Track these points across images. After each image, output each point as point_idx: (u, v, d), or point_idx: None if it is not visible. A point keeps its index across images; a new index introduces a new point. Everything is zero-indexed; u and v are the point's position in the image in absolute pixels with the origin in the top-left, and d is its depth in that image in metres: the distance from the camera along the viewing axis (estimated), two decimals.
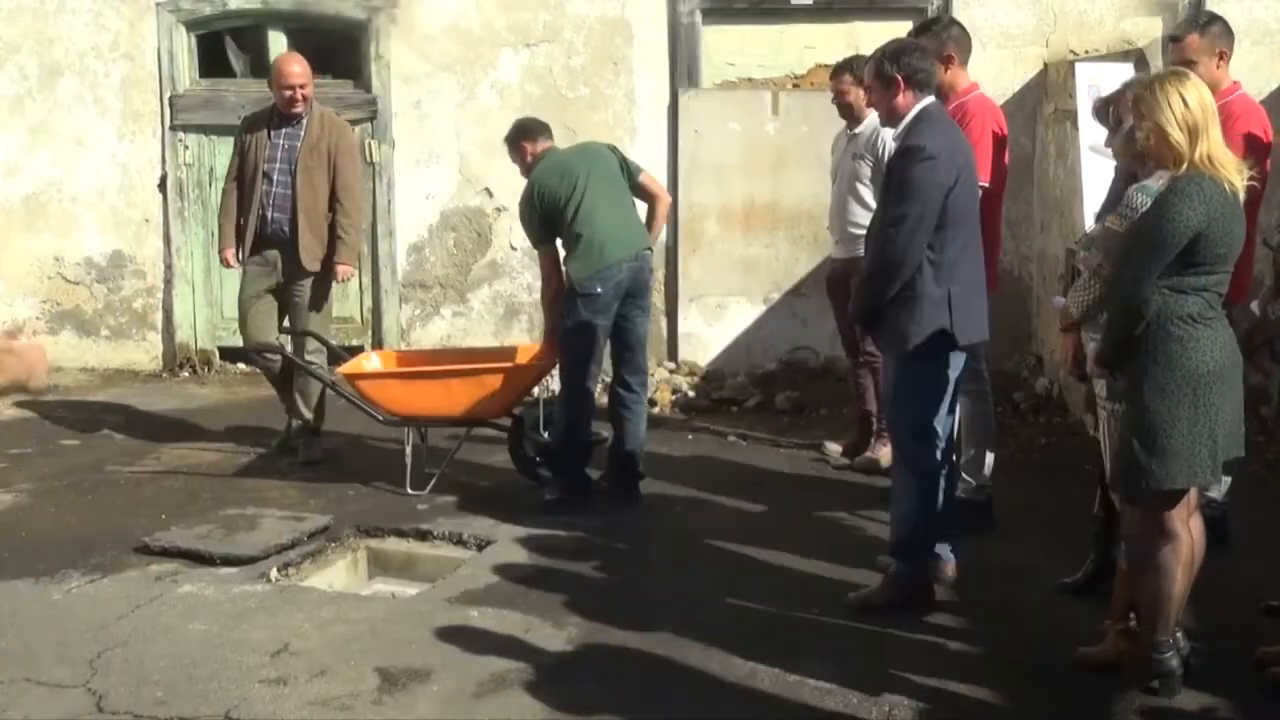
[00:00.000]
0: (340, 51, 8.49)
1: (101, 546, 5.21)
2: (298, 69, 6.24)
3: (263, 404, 7.18)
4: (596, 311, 5.53)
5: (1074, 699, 3.80)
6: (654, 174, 8.07)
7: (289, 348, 6.38)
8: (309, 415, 6.39)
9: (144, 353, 8.70)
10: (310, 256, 6.25)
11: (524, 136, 5.84)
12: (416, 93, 8.33)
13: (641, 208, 5.89)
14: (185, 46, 8.35)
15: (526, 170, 5.80)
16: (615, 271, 5.52)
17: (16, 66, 8.48)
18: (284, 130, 6.28)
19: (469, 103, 8.28)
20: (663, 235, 8.20)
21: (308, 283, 6.33)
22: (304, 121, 6.27)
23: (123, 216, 8.47)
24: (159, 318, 8.58)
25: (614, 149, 5.90)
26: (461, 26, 8.25)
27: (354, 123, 8.34)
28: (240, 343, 6.79)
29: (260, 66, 8.47)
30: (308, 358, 6.28)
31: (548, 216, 5.59)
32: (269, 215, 6.24)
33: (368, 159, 8.40)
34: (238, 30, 8.52)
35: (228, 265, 6.44)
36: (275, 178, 6.23)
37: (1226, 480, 5.25)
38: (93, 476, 6.26)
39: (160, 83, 8.39)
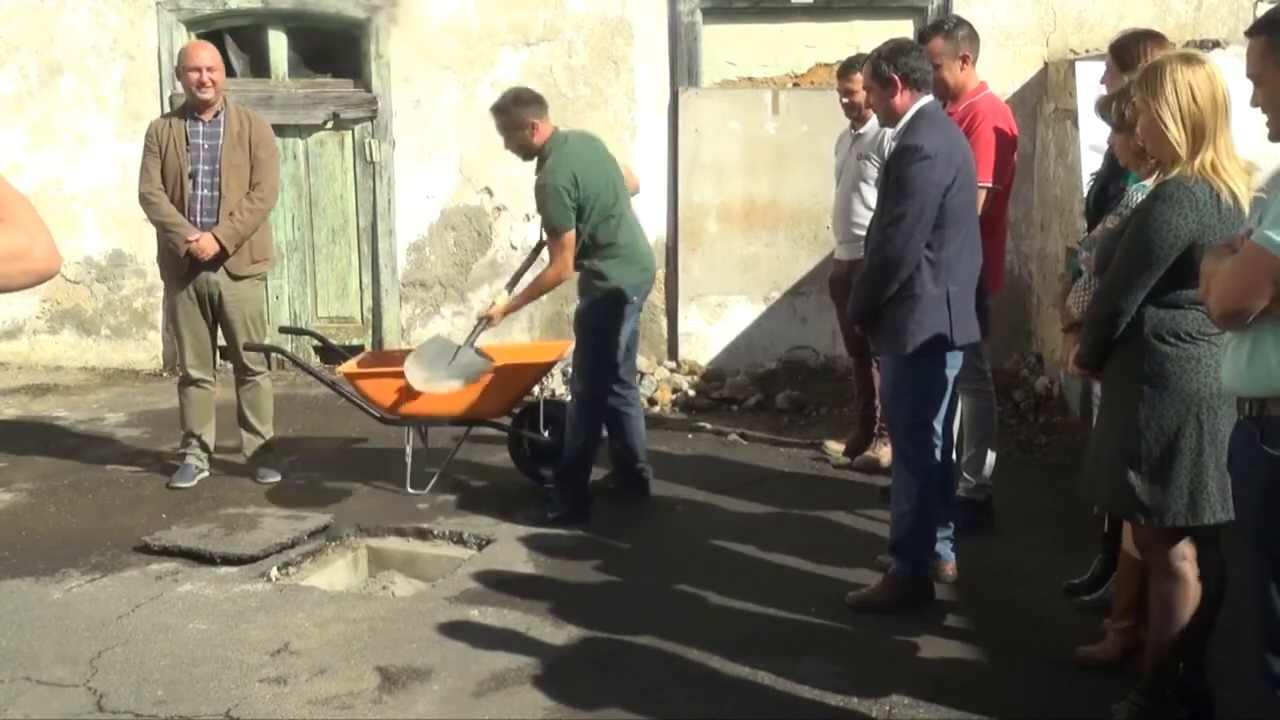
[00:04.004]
0: (341, 51, 8.51)
1: (102, 545, 5.23)
2: (205, 54, 5.87)
3: None
4: (628, 316, 5.59)
5: (1074, 698, 3.81)
6: (653, 172, 8.19)
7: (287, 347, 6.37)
8: (260, 428, 6.18)
9: (144, 352, 8.71)
10: (246, 260, 5.96)
11: (532, 109, 5.45)
12: (416, 92, 8.34)
13: None
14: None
15: (528, 146, 5.49)
16: (647, 283, 5.65)
17: (17, 65, 8.50)
18: (201, 128, 5.86)
19: (469, 102, 8.28)
20: (662, 233, 8.25)
21: (244, 290, 6.02)
22: (221, 117, 5.90)
23: (123, 216, 8.45)
24: (159, 317, 8.57)
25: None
26: (461, 25, 8.26)
27: (354, 122, 8.40)
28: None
29: (261, 66, 8.50)
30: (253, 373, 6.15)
31: (581, 208, 5.38)
32: (199, 223, 5.81)
33: (368, 158, 8.42)
34: (238, 29, 8.52)
35: (204, 252, 5.77)
36: (200, 179, 5.83)
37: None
38: (93, 475, 6.27)
39: (160, 82, 8.40)
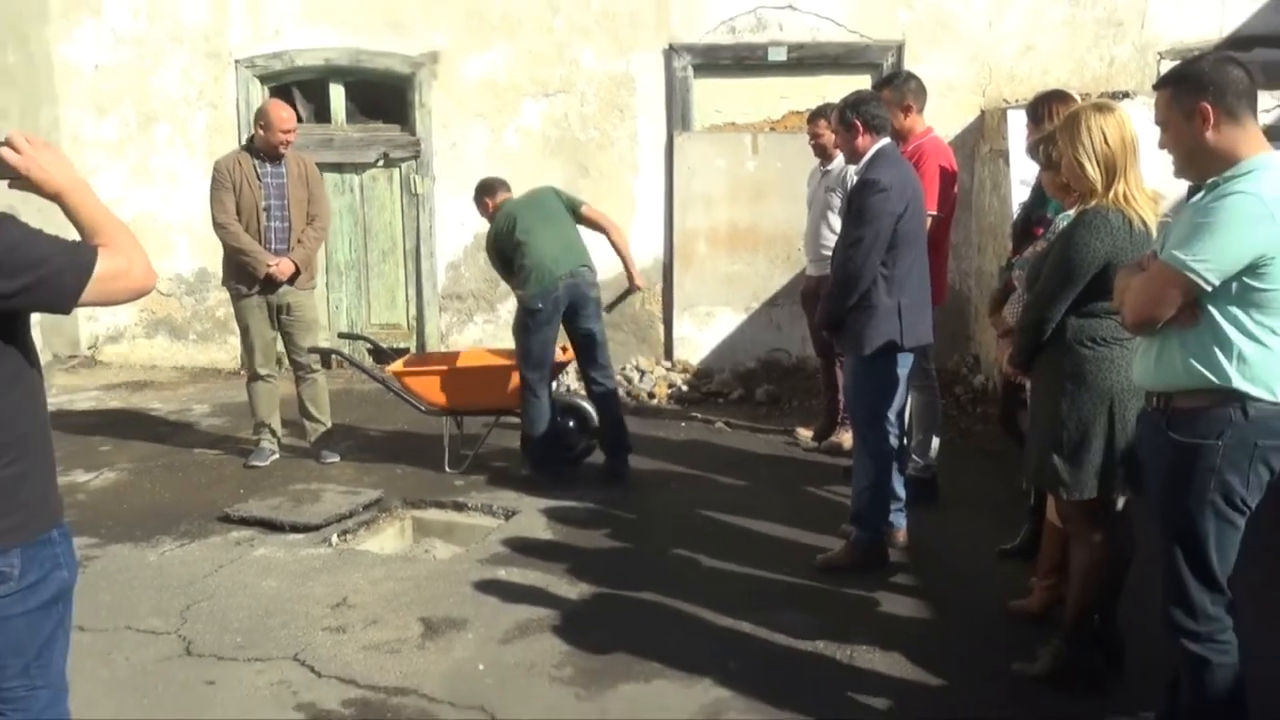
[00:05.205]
0: (390, 100, 8.49)
1: (190, 516, 5.23)
2: (290, 115, 5.89)
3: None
4: (540, 324, 5.54)
5: (1006, 644, 3.80)
6: (652, 204, 8.17)
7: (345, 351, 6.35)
8: (320, 417, 6.18)
9: (225, 354, 8.70)
10: (306, 276, 5.99)
11: (486, 194, 5.93)
12: (453, 135, 8.33)
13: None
14: (260, 97, 8.34)
15: (489, 219, 5.87)
16: (553, 289, 5.51)
17: (119, 115, 8.49)
18: (269, 169, 5.85)
19: (497, 144, 8.27)
20: (660, 253, 8.23)
21: (305, 299, 6.04)
22: (283, 159, 5.90)
23: (208, 241, 8.30)
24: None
25: (556, 191, 5.88)
26: (491, 80, 8.24)
27: (401, 160, 8.39)
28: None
29: (323, 113, 8.49)
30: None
31: (502, 255, 5.66)
32: (273, 248, 5.84)
33: (413, 191, 8.40)
34: (304, 83, 8.51)
35: (284, 274, 5.84)
36: (273, 213, 5.84)
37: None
38: (182, 457, 6.26)
39: (239, 128, 8.39)
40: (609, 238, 5.85)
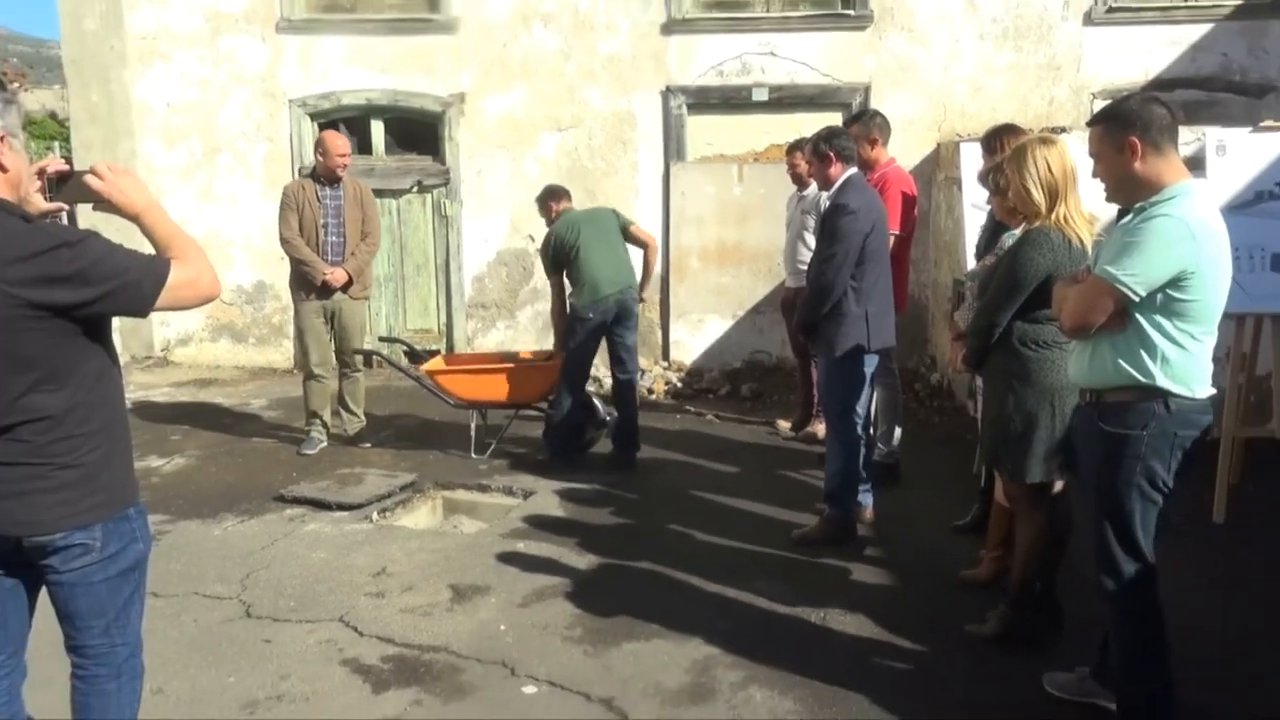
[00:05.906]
0: (423, 134, 8.49)
1: (249, 496, 5.22)
2: (344, 143, 5.91)
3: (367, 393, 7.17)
4: (589, 331, 5.55)
5: (959, 608, 3.79)
6: (651, 224, 8.16)
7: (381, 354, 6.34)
8: (356, 411, 6.19)
9: (281, 355, 8.70)
10: (360, 287, 6.01)
11: (551, 198, 5.86)
12: (479, 165, 8.32)
13: (637, 254, 5.83)
14: (310, 131, 8.34)
15: (550, 222, 5.81)
16: (605, 303, 5.52)
17: (187, 147, 8.49)
18: (329, 191, 5.86)
19: (517, 173, 8.27)
20: (658, 268, 8.21)
21: (356, 307, 6.03)
22: (341, 182, 5.89)
23: (265, 255, 8.44)
24: (291, 329, 8.56)
25: (615, 211, 5.86)
26: (511, 116, 8.24)
27: (433, 187, 8.38)
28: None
29: (365, 146, 8.47)
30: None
31: (557, 257, 5.64)
32: (329, 260, 5.84)
33: (443, 213, 8.40)
34: (349, 119, 8.50)
35: (338, 281, 5.83)
36: (331, 229, 5.84)
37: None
38: (243, 445, 6.26)
39: (292, 158, 8.39)
40: (645, 254, 5.83)
